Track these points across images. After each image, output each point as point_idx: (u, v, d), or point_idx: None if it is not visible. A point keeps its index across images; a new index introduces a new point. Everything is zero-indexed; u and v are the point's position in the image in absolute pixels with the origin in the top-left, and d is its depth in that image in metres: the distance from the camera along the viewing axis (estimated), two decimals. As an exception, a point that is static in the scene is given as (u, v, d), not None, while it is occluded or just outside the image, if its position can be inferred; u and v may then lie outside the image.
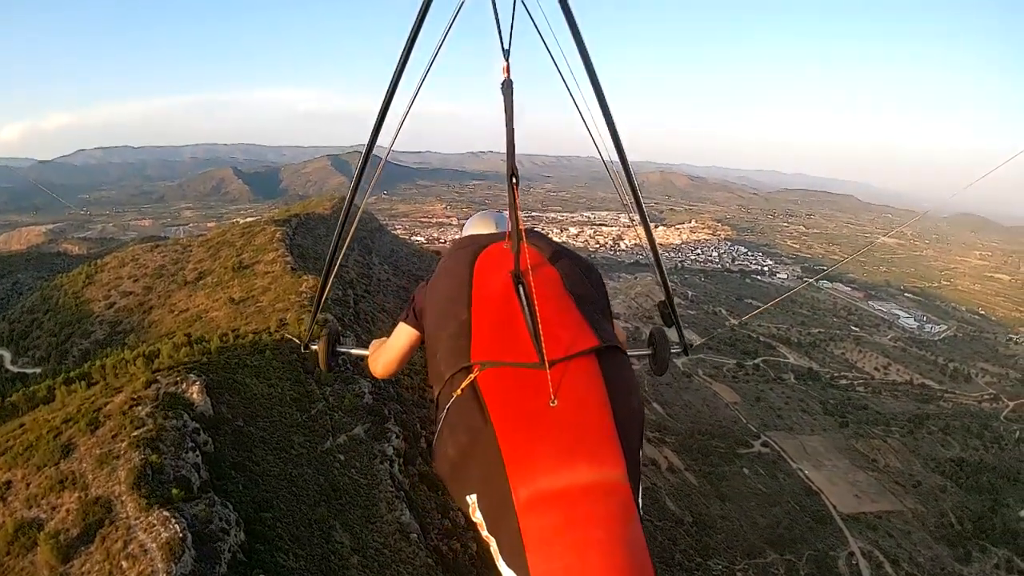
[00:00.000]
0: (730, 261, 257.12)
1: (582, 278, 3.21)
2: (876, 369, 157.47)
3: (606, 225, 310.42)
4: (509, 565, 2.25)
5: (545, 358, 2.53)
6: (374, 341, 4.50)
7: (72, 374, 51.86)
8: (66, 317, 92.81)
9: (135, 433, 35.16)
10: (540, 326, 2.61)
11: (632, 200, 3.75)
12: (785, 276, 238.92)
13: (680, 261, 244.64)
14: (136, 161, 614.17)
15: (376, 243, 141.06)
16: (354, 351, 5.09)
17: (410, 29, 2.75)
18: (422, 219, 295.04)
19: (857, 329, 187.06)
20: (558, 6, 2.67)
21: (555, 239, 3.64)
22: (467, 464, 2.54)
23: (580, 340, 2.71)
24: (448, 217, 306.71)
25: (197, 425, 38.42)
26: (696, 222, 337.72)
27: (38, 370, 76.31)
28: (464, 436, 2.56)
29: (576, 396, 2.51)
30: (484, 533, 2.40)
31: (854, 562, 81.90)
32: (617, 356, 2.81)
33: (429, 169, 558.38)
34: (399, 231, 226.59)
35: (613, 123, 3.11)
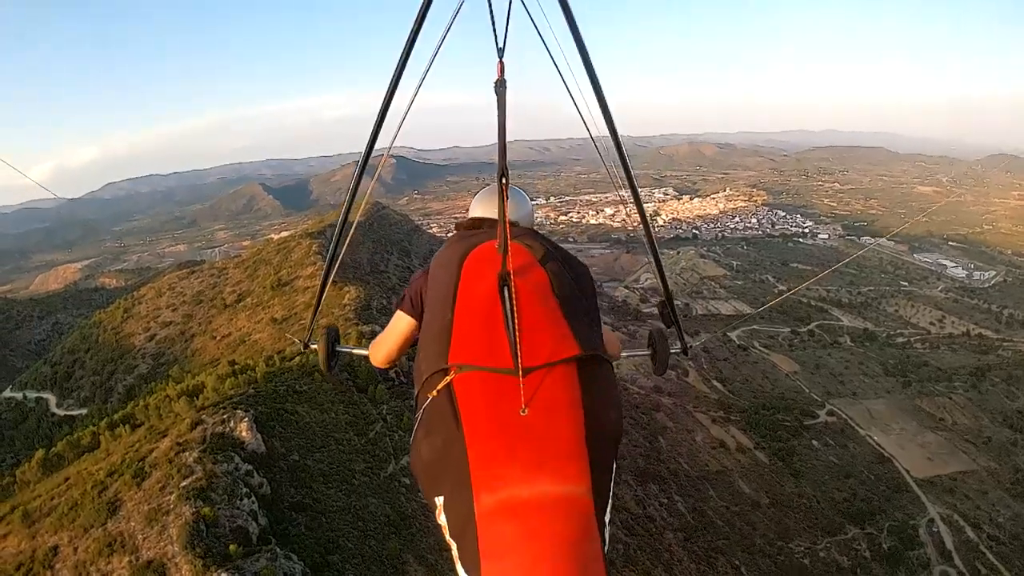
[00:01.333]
0: (770, 226, 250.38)
1: (571, 282, 3.11)
2: (931, 323, 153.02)
3: (642, 202, 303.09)
4: (466, 571, 2.27)
5: (520, 365, 2.51)
6: (374, 341, 4.26)
7: (116, 416, 51.32)
8: (107, 354, 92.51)
9: (184, 483, 33.23)
10: (521, 332, 2.56)
11: (631, 195, 3.75)
12: (827, 236, 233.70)
13: (720, 231, 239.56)
14: (165, 188, 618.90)
15: (414, 244, 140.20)
16: (354, 351, 5.01)
17: (410, 29, 2.70)
18: (456, 215, 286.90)
19: (906, 284, 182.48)
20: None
21: (554, 239, 3.51)
22: (438, 466, 2.53)
23: (561, 348, 2.66)
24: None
25: (250, 467, 36.41)
26: (731, 190, 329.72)
27: (84, 411, 76.30)
28: (437, 438, 2.55)
29: (548, 406, 2.49)
30: (447, 536, 2.42)
31: (935, 529, 79.51)
32: (599, 366, 2.78)
33: (457, 164, 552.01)
34: (435, 229, 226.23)
35: (610, 117, 2.98)
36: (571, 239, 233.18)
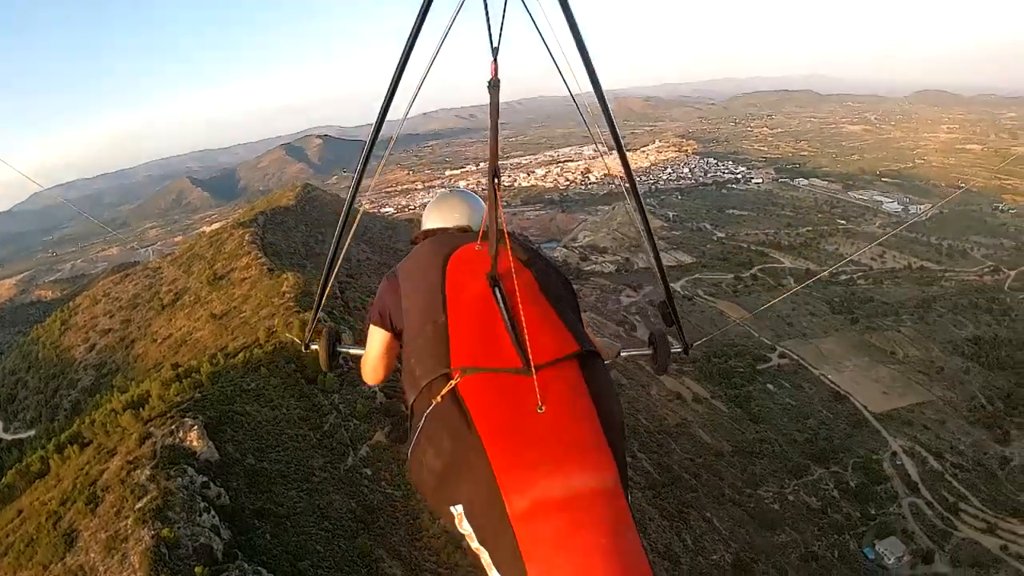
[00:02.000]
0: (703, 175, 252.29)
1: (556, 281, 3.18)
2: (872, 259, 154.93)
3: (571, 160, 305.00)
4: (504, 575, 2.27)
5: (531, 363, 2.53)
6: (360, 361, 4.14)
7: (63, 437, 48.48)
8: (49, 370, 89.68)
9: (139, 505, 32.23)
10: (523, 331, 2.63)
11: (633, 197, 3.70)
12: (760, 180, 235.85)
13: (652, 183, 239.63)
14: (92, 192, 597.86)
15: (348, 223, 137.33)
16: (353, 350, 4.92)
17: (411, 28, 2.73)
18: (387, 189, 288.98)
19: (844, 222, 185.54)
20: None
21: (531, 241, 3.57)
22: (451, 475, 2.50)
23: (562, 345, 2.72)
24: (412, 182, 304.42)
25: (205, 478, 35.40)
26: (660, 142, 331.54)
27: (32, 432, 73.09)
28: (448, 445, 2.52)
29: (562, 402, 2.52)
30: (474, 544, 2.39)
31: (899, 462, 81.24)
32: (596, 360, 2.81)
33: (384, 139, 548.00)
34: (367, 206, 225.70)
35: (607, 107, 3.06)
36: (505, 203, 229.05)
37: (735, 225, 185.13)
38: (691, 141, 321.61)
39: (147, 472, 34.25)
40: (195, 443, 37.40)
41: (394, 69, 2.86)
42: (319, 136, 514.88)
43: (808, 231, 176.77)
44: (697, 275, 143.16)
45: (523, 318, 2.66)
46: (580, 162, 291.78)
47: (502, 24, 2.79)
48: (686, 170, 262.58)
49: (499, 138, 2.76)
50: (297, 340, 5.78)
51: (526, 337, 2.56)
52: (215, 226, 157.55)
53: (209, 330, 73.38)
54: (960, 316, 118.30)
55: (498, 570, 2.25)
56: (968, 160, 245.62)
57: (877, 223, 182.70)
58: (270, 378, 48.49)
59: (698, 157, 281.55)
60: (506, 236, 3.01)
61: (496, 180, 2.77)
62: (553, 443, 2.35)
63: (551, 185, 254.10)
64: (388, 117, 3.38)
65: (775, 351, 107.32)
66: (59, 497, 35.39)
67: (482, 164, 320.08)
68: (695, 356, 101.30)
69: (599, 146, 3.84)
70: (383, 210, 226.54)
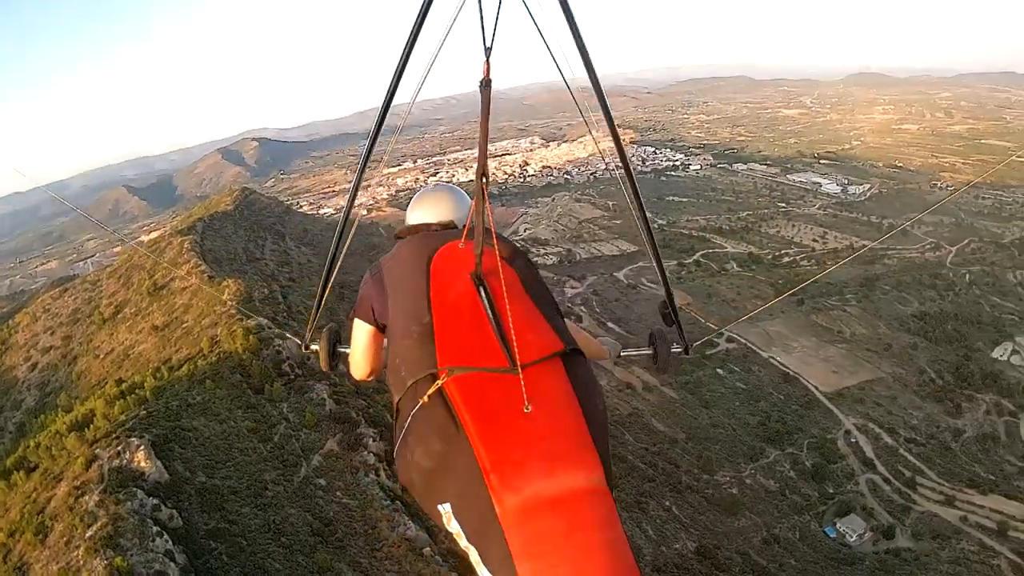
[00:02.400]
0: (641, 163, 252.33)
1: (536, 277, 3.18)
2: (814, 240, 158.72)
3: (509, 154, 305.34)
4: (493, 574, 2.30)
5: (518, 362, 2.53)
6: (349, 359, 4.17)
7: (9, 463, 46.51)
8: None
9: (89, 533, 30.92)
10: (509, 330, 2.64)
11: (633, 197, 3.72)
12: (698, 166, 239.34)
13: (591, 174, 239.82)
14: (28, 205, 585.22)
15: (287, 226, 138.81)
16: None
17: (411, 30, 2.77)
18: (325, 191, 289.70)
19: (784, 205, 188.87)
20: None
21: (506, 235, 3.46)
22: (440, 474, 2.50)
23: (547, 343, 2.71)
24: (349, 182, 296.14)
25: (155, 500, 34.19)
26: (596, 131, 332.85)
27: None
28: (436, 445, 2.51)
29: (549, 401, 2.52)
30: (463, 543, 2.41)
31: (853, 440, 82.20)
32: (580, 359, 2.80)
33: (320, 139, 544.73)
34: (306, 207, 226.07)
35: (607, 106, 3.12)
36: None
37: (676, 212, 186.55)
38: (628, 130, 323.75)
39: (95, 497, 33.21)
40: (143, 464, 36.35)
41: (394, 69, 2.86)
42: (255, 139, 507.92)
43: (748, 215, 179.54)
44: (640, 263, 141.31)
45: (508, 317, 2.63)
46: (518, 155, 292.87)
47: (496, 23, 2.74)
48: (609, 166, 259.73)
49: (485, 139, 2.68)
50: (299, 341, 5.47)
51: (512, 336, 2.54)
52: (153, 235, 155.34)
53: (152, 343, 72.11)
54: (904, 293, 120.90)
55: (487, 568, 2.28)
56: (904, 140, 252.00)
57: (817, 204, 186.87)
58: (216, 390, 47.60)
59: (635, 146, 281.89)
60: (493, 235, 2.97)
61: (484, 179, 2.73)
62: (541, 442, 2.35)
63: (490, 179, 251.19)
64: (377, 117, 3.47)
65: (722, 336, 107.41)
66: (7, 528, 34.24)
67: (419, 161, 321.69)
68: (642, 344, 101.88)
69: (593, 133, 3.75)
70: (322, 211, 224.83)
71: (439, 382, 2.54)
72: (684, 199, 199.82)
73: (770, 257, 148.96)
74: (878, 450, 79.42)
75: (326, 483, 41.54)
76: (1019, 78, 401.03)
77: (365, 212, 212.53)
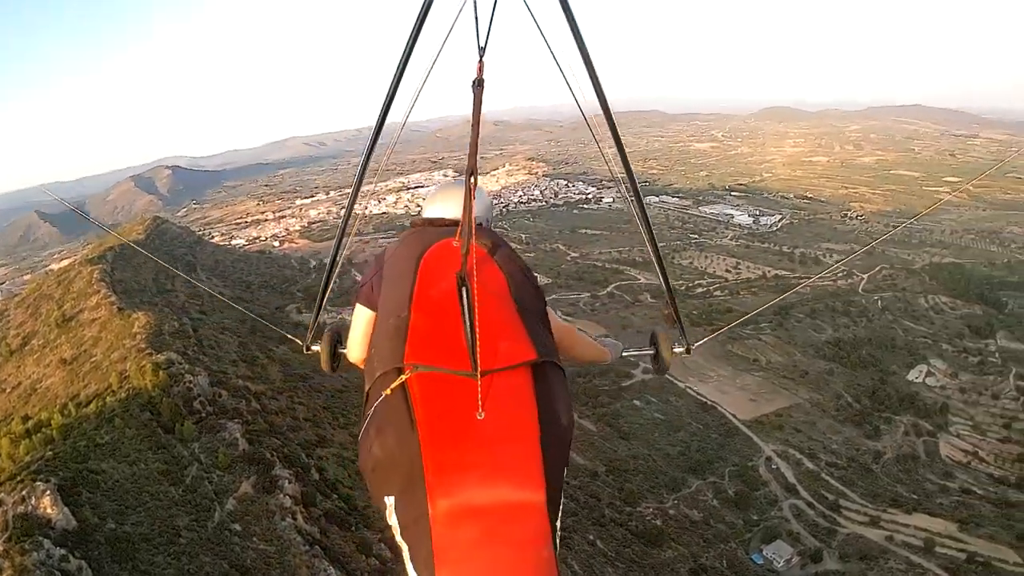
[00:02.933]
0: (553, 196, 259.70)
1: (526, 283, 3.16)
2: (727, 271, 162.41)
3: (422, 186, 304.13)
4: (418, 573, 2.36)
5: (478, 367, 2.51)
6: (348, 340, 4.31)
7: None
8: None
9: None
10: (478, 333, 2.55)
11: (632, 195, 3.71)
12: (611, 200, 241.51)
13: (504, 206, 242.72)
14: None
15: (199, 256, 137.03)
16: None
17: (409, 35, 2.78)
18: (237, 221, 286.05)
19: (696, 236, 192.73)
20: None
21: (500, 235, 3.58)
22: (389, 466, 2.54)
23: (517, 351, 2.69)
24: (262, 212, 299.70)
25: (63, 550, 32.27)
26: (510, 165, 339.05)
27: None
28: (390, 438, 2.55)
29: (504, 411, 2.52)
30: (397, 538, 2.47)
31: (774, 466, 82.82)
32: (552, 371, 2.78)
33: (233, 168, 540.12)
34: (217, 238, 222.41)
35: (607, 108, 3.09)
36: (357, 231, 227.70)
37: (589, 244, 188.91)
38: (541, 163, 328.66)
39: (-1, 548, 31.14)
40: (49, 510, 34.56)
41: (392, 77, 2.89)
42: (168, 167, 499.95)
43: (662, 247, 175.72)
44: (554, 295, 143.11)
45: (483, 320, 2.50)
46: (431, 187, 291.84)
47: (491, 23, 2.80)
48: (537, 192, 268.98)
49: (476, 138, 2.55)
50: (300, 342, 5.22)
51: (478, 340, 2.46)
52: (64, 263, 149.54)
53: (59, 376, 69.89)
54: (818, 320, 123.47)
55: (413, 567, 2.33)
56: (814, 171, 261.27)
57: (729, 235, 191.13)
58: (125, 429, 45.83)
59: (548, 179, 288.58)
60: (486, 236, 3.08)
61: (473, 178, 2.55)
62: (485, 452, 2.35)
63: (402, 211, 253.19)
64: (374, 129, 3.38)
65: (637, 367, 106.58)
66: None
67: (332, 193, 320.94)
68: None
69: (599, 146, 3.61)
70: (233, 242, 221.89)
71: (403, 377, 2.56)
72: (597, 231, 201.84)
73: (684, 288, 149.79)
74: (800, 475, 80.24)
75: (242, 528, 39.93)
76: (926, 111, 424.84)
77: (277, 244, 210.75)
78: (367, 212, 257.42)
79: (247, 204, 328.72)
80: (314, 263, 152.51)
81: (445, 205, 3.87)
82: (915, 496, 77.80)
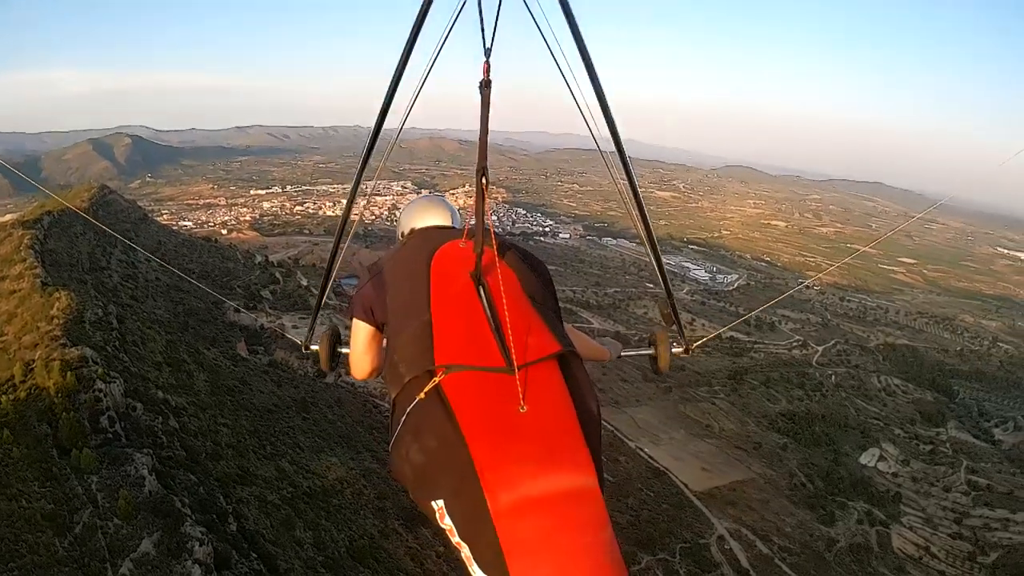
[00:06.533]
0: (510, 224, 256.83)
1: (535, 279, 3.28)
2: (683, 326, 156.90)
3: (379, 195, 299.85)
4: (485, 571, 2.39)
5: (514, 363, 2.61)
6: (349, 358, 4.30)
7: None
8: None
9: None
10: (506, 330, 2.73)
11: (632, 197, 3.74)
12: (568, 236, 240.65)
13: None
14: None
15: (140, 235, 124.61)
16: None
17: (411, 28, 2.75)
18: (189, 202, 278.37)
19: (652, 286, 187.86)
20: None
21: (506, 236, 3.63)
22: (434, 470, 2.59)
23: (543, 345, 2.79)
24: (216, 197, 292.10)
25: None
26: (470, 187, 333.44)
27: None
28: (430, 441, 2.61)
29: (544, 402, 2.61)
30: (455, 539, 2.50)
31: (727, 547, 79.10)
32: (576, 361, 2.89)
33: (194, 148, 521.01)
34: (165, 217, 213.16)
35: (608, 109, 3.02)
36: (306, 231, 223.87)
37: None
38: (501, 189, 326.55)
39: None
40: None
41: (392, 73, 2.89)
42: (129, 135, 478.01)
43: (616, 292, 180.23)
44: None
45: (506, 317, 2.68)
46: (388, 197, 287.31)
47: (496, 24, 2.80)
48: (494, 218, 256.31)
49: (485, 138, 2.75)
50: (299, 341, 5.19)
51: (509, 336, 2.62)
52: (7, 217, 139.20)
53: None
54: (772, 390, 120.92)
55: (479, 565, 2.36)
56: (773, 235, 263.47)
57: (685, 289, 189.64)
58: (13, 447, 35.33)
59: (507, 206, 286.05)
60: (492, 235, 3.03)
61: (484, 178, 2.78)
62: (535, 442, 2.41)
63: (355, 217, 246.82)
64: (375, 125, 3.39)
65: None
66: None
67: (288, 187, 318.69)
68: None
69: (599, 146, 3.58)
70: (181, 223, 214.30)
71: (436, 379, 2.59)
72: (552, 267, 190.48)
73: (636, 339, 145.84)
74: (753, 558, 76.91)
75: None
76: (886, 189, 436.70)
77: (225, 232, 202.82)
78: (321, 212, 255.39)
79: (201, 186, 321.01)
80: (259, 259, 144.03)
81: (435, 215, 4.05)
82: (867, 590, 74.53)
